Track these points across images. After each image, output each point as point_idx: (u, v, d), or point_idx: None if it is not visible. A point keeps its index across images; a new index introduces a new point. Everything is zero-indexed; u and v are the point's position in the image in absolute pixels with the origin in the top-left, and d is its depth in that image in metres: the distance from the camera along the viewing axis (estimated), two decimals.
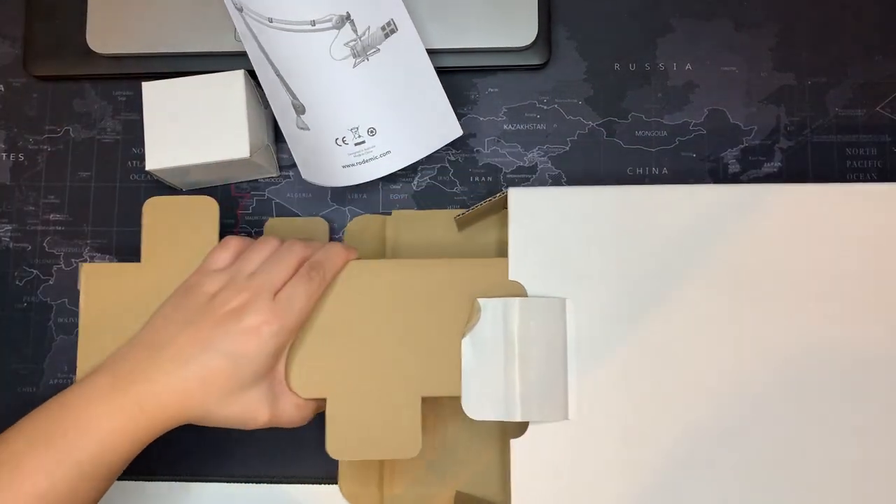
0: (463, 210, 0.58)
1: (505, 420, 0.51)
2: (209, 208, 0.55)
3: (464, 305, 0.53)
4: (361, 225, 0.61)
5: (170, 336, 0.48)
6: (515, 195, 0.54)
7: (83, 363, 0.53)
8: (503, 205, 0.56)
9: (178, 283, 0.52)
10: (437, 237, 0.60)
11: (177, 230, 0.55)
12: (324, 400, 0.52)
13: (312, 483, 0.59)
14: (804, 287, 0.53)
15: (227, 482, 0.59)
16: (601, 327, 0.52)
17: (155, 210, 0.55)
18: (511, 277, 0.53)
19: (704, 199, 0.54)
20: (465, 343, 0.52)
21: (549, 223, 0.54)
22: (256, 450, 0.59)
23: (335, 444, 0.51)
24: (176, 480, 0.59)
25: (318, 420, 0.53)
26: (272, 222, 0.62)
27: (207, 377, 0.47)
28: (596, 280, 0.53)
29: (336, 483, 0.58)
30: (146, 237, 0.54)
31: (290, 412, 0.51)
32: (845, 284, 0.52)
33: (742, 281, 0.53)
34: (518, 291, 0.53)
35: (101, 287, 0.54)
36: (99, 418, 0.45)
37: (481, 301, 0.52)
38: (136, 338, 0.49)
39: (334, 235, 0.62)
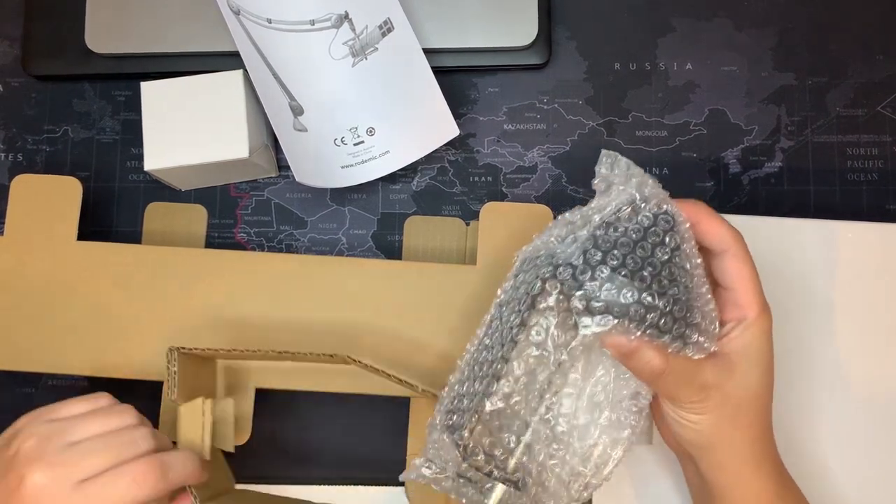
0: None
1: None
2: (72, 188, 0.56)
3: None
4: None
5: None
6: None
7: None
8: None
9: (36, 258, 0.54)
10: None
11: (40, 208, 0.56)
12: None
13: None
14: None
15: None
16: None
17: (21, 187, 0.56)
18: None
19: (836, 234, 0.54)
20: None
21: None
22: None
23: None
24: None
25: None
26: (153, 206, 0.61)
27: None
28: None
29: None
30: (10, 213, 0.56)
31: None
32: None
33: (856, 320, 0.52)
34: None
35: None
36: None
37: None
38: None
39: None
